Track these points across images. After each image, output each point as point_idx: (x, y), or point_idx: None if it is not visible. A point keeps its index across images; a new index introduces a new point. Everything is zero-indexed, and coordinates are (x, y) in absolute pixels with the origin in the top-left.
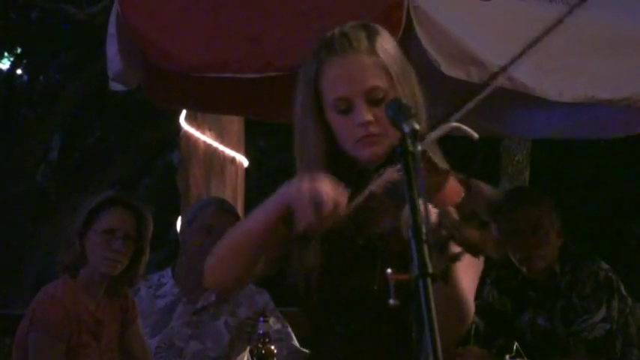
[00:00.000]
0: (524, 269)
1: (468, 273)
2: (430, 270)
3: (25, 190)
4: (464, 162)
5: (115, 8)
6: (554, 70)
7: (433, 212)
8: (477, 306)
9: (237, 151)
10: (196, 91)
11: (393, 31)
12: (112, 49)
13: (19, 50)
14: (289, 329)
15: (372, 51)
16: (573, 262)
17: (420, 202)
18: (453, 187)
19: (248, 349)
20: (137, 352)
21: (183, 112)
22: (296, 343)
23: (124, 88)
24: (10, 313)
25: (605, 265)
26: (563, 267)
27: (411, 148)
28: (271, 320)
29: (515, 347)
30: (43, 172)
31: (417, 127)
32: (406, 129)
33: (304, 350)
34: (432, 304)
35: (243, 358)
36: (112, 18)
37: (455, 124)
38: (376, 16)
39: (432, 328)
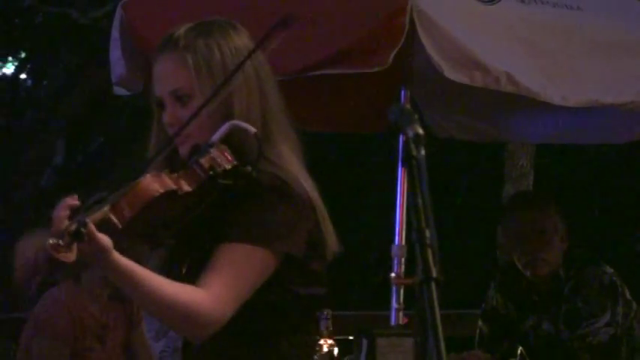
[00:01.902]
0: (528, 274)
1: (224, 274)
2: (434, 274)
3: (29, 194)
4: (466, 164)
5: (119, 12)
6: (558, 75)
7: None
8: (481, 310)
9: None
10: None
11: (396, 35)
12: (115, 53)
13: (23, 55)
14: None
15: (185, 50)
16: (578, 266)
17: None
18: (146, 188)
19: None
20: (142, 355)
21: None
22: None
23: (128, 93)
24: (15, 316)
25: (609, 270)
26: (567, 271)
27: (414, 153)
28: None
29: (519, 352)
30: (48, 177)
31: (420, 131)
32: (410, 133)
33: None
34: (436, 308)
35: None
36: (116, 22)
37: (234, 122)
38: (379, 20)
39: (435, 332)
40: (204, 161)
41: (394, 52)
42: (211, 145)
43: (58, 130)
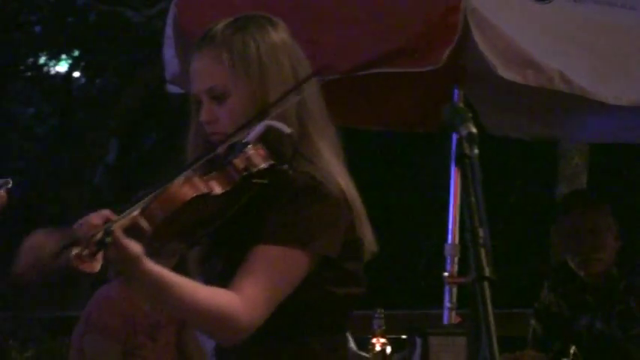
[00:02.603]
0: (581, 273)
1: (255, 280)
2: (487, 273)
3: (82, 192)
4: (519, 163)
5: (172, 11)
6: (611, 74)
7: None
8: (534, 309)
9: None
10: None
11: (449, 34)
12: (169, 51)
13: (76, 53)
14: (347, 332)
15: (221, 47)
16: (631, 265)
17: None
18: (176, 192)
19: None
20: (193, 354)
21: None
22: (354, 346)
23: (181, 91)
24: (68, 314)
25: None
26: (620, 271)
27: (467, 152)
28: None
29: (572, 351)
30: (100, 175)
31: (474, 130)
32: (463, 132)
33: (363, 354)
34: (489, 307)
35: None
36: (169, 21)
37: (268, 122)
38: (433, 19)
39: (488, 331)
40: (238, 161)
41: (448, 50)
42: (247, 144)
43: (110, 129)
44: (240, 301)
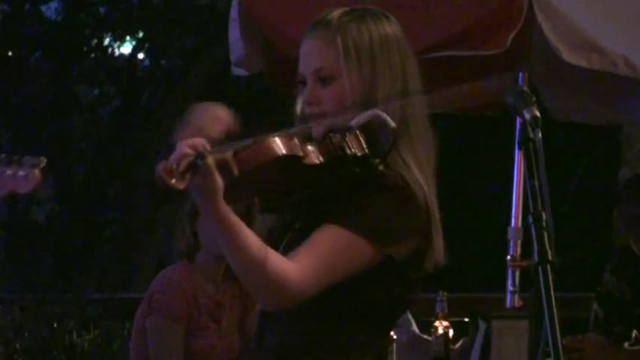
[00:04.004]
0: None
1: (316, 253)
2: (550, 257)
3: (146, 174)
4: (583, 148)
5: None
6: None
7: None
8: (596, 293)
9: None
10: None
11: (514, 17)
12: (234, 34)
13: (140, 34)
14: (409, 315)
15: (336, 31)
16: None
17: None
18: (272, 145)
19: None
20: None
21: None
22: (416, 329)
23: (246, 74)
24: (131, 296)
25: None
26: None
27: (531, 136)
28: None
29: (634, 335)
30: (163, 157)
31: (538, 114)
32: (527, 116)
33: (425, 336)
34: (551, 291)
35: None
36: (234, 3)
37: (377, 111)
38: (498, 3)
39: (550, 314)
40: (337, 142)
41: (512, 34)
42: (349, 130)
43: (175, 111)
44: (295, 270)
